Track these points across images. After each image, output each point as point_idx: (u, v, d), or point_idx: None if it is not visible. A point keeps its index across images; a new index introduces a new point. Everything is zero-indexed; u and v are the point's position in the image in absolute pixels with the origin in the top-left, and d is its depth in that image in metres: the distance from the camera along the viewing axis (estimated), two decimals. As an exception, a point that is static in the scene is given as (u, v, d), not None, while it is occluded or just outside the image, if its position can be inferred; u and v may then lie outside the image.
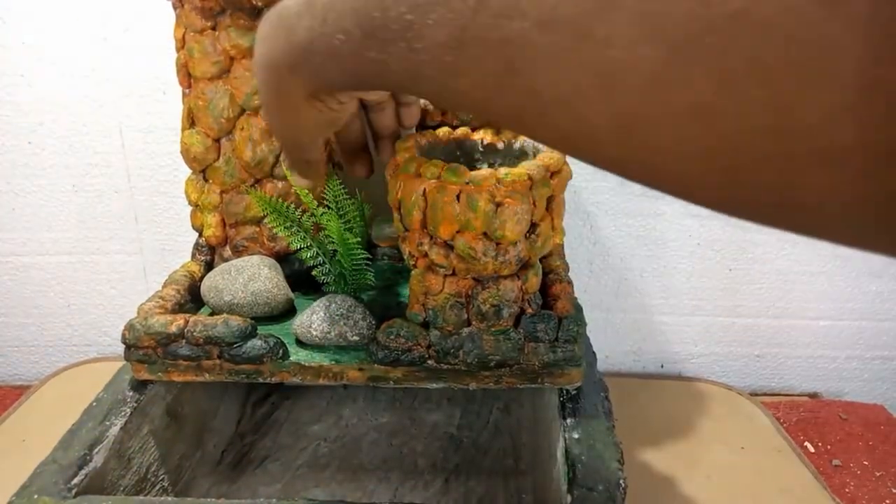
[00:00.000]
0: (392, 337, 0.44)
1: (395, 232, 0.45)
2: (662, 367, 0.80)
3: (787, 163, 0.15)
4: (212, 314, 0.48)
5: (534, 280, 0.45)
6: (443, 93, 0.23)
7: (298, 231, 0.49)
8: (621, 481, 0.39)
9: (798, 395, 0.80)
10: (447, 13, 0.20)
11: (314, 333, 0.45)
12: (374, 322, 0.46)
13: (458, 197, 0.39)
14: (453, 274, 0.43)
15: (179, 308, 0.49)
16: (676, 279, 0.75)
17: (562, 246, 0.55)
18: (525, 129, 0.22)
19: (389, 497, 0.53)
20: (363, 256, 0.48)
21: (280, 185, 0.51)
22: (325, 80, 0.28)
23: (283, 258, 0.53)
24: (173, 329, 0.45)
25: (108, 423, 0.44)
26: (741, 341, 0.78)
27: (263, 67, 0.30)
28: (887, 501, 0.61)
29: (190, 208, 0.54)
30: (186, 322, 0.45)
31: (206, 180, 0.52)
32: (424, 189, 0.41)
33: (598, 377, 0.48)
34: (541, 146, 0.46)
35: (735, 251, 0.74)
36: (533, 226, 0.41)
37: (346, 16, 0.24)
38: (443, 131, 0.47)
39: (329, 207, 0.50)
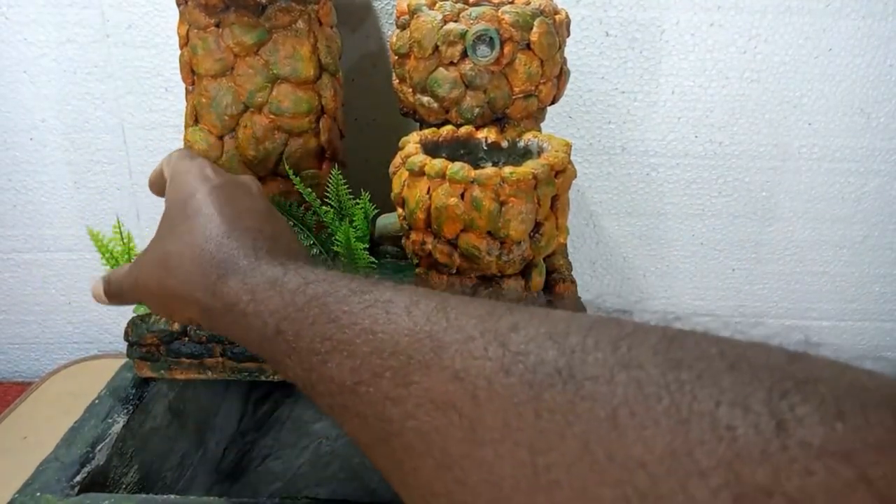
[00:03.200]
0: (395, 336, 0.44)
1: (399, 229, 0.45)
2: (664, 366, 0.80)
3: None
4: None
5: (538, 279, 0.44)
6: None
7: (301, 229, 0.49)
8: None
9: (800, 396, 0.80)
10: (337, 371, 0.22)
11: (317, 332, 0.45)
12: (377, 321, 0.46)
13: (462, 195, 0.39)
14: (457, 273, 0.43)
15: (182, 306, 0.49)
16: (679, 279, 0.75)
17: (565, 245, 0.55)
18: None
19: (391, 496, 0.53)
20: (368, 262, 0.48)
21: (283, 182, 0.51)
22: (223, 332, 0.30)
23: (286, 256, 0.53)
24: (176, 326, 0.45)
25: (110, 420, 0.44)
26: (743, 341, 0.78)
27: (169, 289, 0.31)
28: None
29: (192, 206, 0.54)
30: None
31: (208, 178, 0.52)
32: (429, 187, 0.40)
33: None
34: (545, 145, 0.45)
35: (738, 251, 0.73)
36: (537, 225, 0.41)
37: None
38: (447, 129, 0.47)
39: (332, 206, 0.50)
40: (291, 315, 0.24)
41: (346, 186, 0.51)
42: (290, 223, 0.48)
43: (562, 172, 0.42)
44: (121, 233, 0.47)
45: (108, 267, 0.45)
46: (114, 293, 0.37)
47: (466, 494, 0.17)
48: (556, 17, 0.48)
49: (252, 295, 0.26)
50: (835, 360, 0.16)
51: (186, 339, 0.45)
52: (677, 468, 0.14)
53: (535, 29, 0.46)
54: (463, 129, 0.47)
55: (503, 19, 0.45)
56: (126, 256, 0.46)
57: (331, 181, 0.50)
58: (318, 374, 0.22)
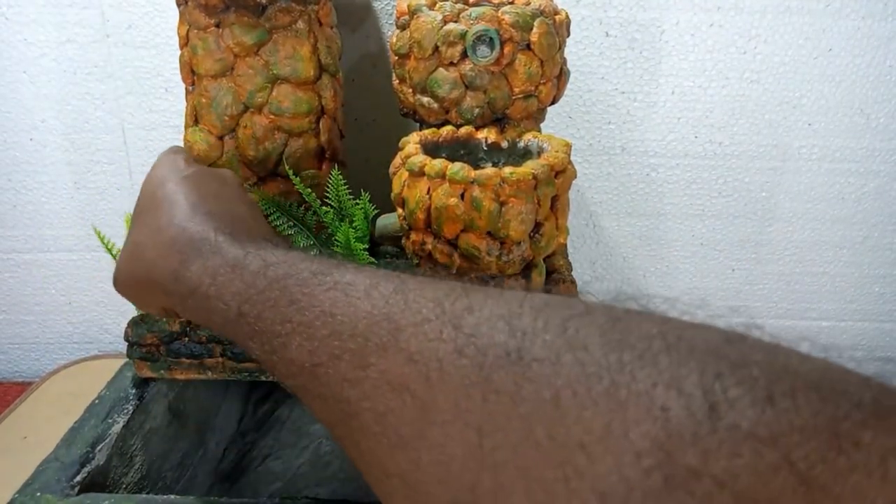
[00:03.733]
0: (395, 336, 0.44)
1: (399, 229, 0.45)
2: (664, 367, 0.80)
3: None
4: (214, 312, 0.48)
5: (537, 280, 0.44)
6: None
7: (301, 229, 0.49)
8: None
9: (800, 396, 0.80)
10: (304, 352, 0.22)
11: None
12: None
13: (462, 196, 0.39)
14: (457, 273, 0.43)
15: (182, 306, 0.49)
16: (679, 279, 0.75)
17: (565, 245, 0.55)
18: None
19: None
20: (368, 262, 0.48)
21: (283, 182, 0.51)
22: (189, 317, 0.31)
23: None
24: (176, 327, 0.45)
25: (110, 420, 0.44)
26: (743, 342, 0.78)
27: (138, 278, 0.32)
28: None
29: (193, 206, 0.54)
30: (189, 320, 0.45)
31: (209, 178, 0.52)
32: (429, 188, 0.40)
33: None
34: (545, 146, 0.45)
35: (738, 251, 0.73)
36: (537, 225, 0.41)
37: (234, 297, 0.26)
38: (447, 130, 0.47)
39: (332, 206, 0.50)
40: (253, 297, 0.24)
41: (345, 186, 0.51)
42: (290, 223, 0.48)
43: (562, 173, 0.42)
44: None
45: None
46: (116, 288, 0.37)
47: (418, 474, 0.18)
48: (556, 17, 0.48)
49: (213, 278, 0.26)
50: (769, 343, 0.16)
51: (186, 339, 0.45)
52: (614, 448, 0.14)
53: (535, 29, 0.46)
54: (463, 130, 0.47)
55: (503, 20, 0.45)
56: None
57: (331, 181, 0.50)
58: (279, 356, 0.23)
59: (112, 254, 0.45)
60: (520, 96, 0.47)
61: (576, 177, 0.44)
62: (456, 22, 0.46)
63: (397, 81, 0.51)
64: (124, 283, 0.35)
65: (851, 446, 0.13)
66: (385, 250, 0.58)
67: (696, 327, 0.17)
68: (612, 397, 0.15)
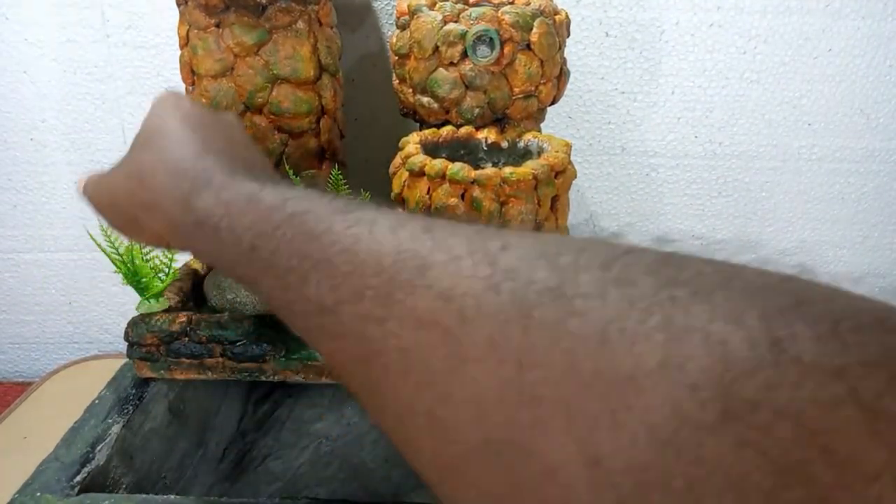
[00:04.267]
0: (395, 336, 0.44)
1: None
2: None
3: None
4: (214, 312, 0.48)
5: (537, 279, 0.44)
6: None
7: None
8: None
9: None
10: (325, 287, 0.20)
11: (317, 332, 0.45)
12: (377, 321, 0.46)
13: (462, 196, 0.39)
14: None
15: (182, 306, 0.49)
16: (679, 279, 0.75)
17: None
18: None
19: (391, 496, 0.53)
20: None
21: (283, 183, 0.51)
22: (190, 248, 0.29)
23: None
24: (176, 327, 0.45)
25: (110, 420, 0.44)
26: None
27: (140, 200, 0.31)
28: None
29: (193, 206, 0.54)
30: (189, 320, 0.45)
31: (209, 178, 0.52)
32: (429, 188, 0.41)
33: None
34: (545, 146, 0.45)
35: (738, 252, 0.73)
36: (537, 225, 0.41)
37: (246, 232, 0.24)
38: (447, 130, 0.47)
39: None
40: (268, 231, 0.23)
41: (346, 186, 0.51)
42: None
43: (562, 173, 0.42)
44: None
45: (116, 269, 0.45)
46: (86, 195, 0.35)
47: (448, 411, 0.17)
48: (556, 17, 0.48)
49: (226, 209, 0.25)
50: (828, 284, 0.15)
51: (186, 339, 0.45)
52: (666, 381, 0.14)
53: (535, 29, 0.46)
54: (463, 130, 0.48)
55: (503, 20, 0.45)
56: (139, 256, 0.46)
57: (331, 181, 0.50)
58: (294, 294, 0.21)
59: (107, 253, 0.45)
60: (520, 96, 0.48)
61: (576, 177, 0.44)
62: (456, 22, 0.46)
63: (397, 81, 0.51)
64: (114, 202, 0.32)
65: None
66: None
67: (750, 268, 0.16)
68: (664, 332, 0.14)
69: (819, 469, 0.12)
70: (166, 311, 0.46)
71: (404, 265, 0.19)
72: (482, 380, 0.16)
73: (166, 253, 0.49)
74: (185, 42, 0.49)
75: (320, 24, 0.50)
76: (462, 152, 0.48)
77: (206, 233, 0.26)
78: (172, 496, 0.39)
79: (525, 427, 0.15)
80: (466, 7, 0.47)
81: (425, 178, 0.41)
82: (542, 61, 0.47)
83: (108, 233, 0.45)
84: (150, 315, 0.46)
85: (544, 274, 0.17)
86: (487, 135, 0.47)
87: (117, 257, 0.45)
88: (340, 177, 0.50)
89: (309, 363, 0.46)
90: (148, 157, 0.30)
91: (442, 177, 0.40)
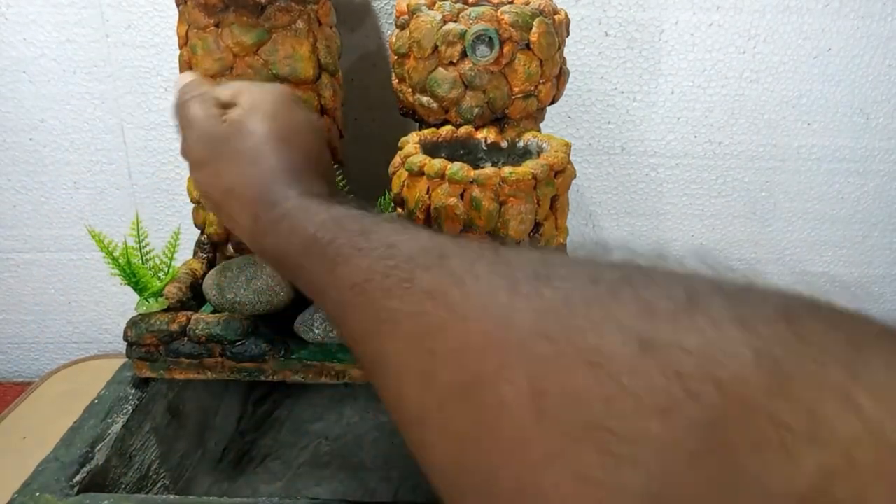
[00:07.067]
0: (395, 336, 0.44)
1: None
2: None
3: None
4: (214, 312, 0.48)
5: (537, 279, 0.44)
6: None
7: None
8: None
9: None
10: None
11: (316, 331, 0.45)
12: (376, 321, 0.46)
13: (461, 196, 0.39)
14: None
15: (181, 306, 0.49)
16: (678, 279, 0.75)
17: (565, 245, 0.55)
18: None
19: (390, 496, 0.53)
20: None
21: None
22: (260, 236, 0.33)
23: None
24: (175, 327, 0.45)
25: (109, 420, 0.44)
26: (743, 341, 0.78)
27: (248, 178, 0.34)
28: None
29: (192, 205, 0.54)
30: (188, 320, 0.45)
31: (208, 178, 0.52)
32: (428, 187, 0.41)
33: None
34: (545, 145, 0.45)
35: (738, 251, 0.73)
36: (537, 225, 0.41)
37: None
38: (446, 129, 0.47)
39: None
40: (328, 224, 0.28)
41: (344, 186, 0.51)
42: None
43: (561, 172, 0.42)
44: (138, 231, 0.47)
45: (113, 269, 0.45)
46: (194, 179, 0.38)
47: (436, 363, 0.21)
48: (556, 17, 0.48)
49: (303, 211, 0.31)
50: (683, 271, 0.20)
51: (185, 339, 0.45)
52: (607, 328, 0.17)
53: (534, 29, 0.46)
54: (462, 129, 0.47)
55: (502, 19, 0.45)
56: (136, 257, 0.46)
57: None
58: (337, 274, 0.26)
59: (107, 251, 0.45)
60: (519, 96, 0.48)
61: (575, 176, 0.44)
62: (455, 21, 0.46)
63: (397, 81, 0.51)
64: (204, 192, 0.37)
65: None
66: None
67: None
68: (597, 307, 0.18)
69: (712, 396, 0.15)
70: (165, 310, 0.46)
71: (428, 254, 0.23)
72: (467, 336, 0.20)
73: (167, 252, 0.49)
74: (184, 42, 0.49)
75: (319, 24, 0.50)
76: (461, 152, 0.48)
77: (281, 224, 0.31)
78: (172, 496, 0.40)
79: (492, 371, 0.19)
80: (466, 7, 0.47)
81: (424, 177, 0.41)
82: (541, 61, 0.47)
83: (102, 235, 0.45)
84: (149, 315, 0.46)
85: (535, 266, 0.21)
86: (487, 134, 0.47)
87: (113, 261, 0.45)
88: (339, 175, 0.50)
89: (308, 363, 0.46)
90: (236, 174, 0.35)
91: (441, 176, 0.40)
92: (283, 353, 0.45)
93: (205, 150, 0.35)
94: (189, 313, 0.46)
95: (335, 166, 0.53)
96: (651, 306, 0.17)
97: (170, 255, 0.49)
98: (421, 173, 0.41)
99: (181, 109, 0.37)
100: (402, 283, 0.23)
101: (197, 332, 0.44)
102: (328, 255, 0.27)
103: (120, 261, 0.45)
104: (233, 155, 0.35)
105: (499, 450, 0.18)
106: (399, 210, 0.44)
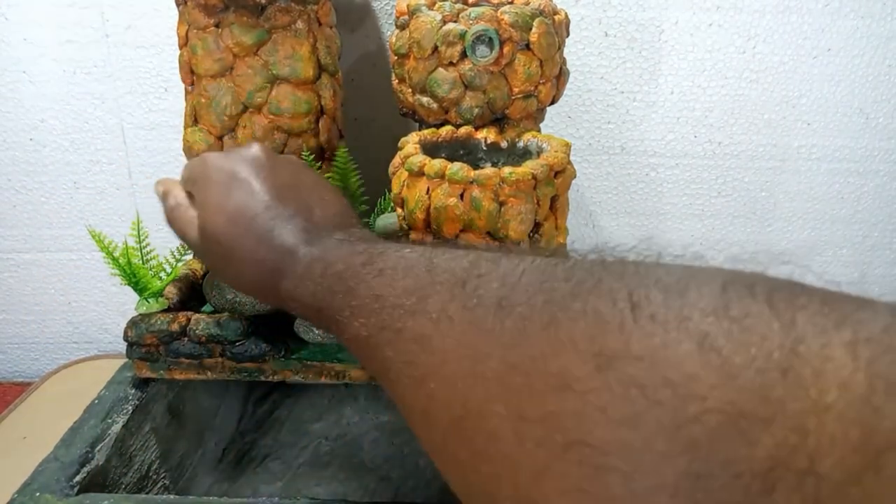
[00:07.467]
0: (395, 336, 0.44)
1: (398, 229, 0.45)
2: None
3: None
4: (214, 312, 0.48)
5: (537, 279, 0.44)
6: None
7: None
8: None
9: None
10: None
11: (316, 332, 0.45)
12: (376, 321, 0.46)
13: (461, 196, 0.39)
14: (456, 273, 0.43)
15: (181, 306, 0.49)
16: (678, 279, 0.75)
17: (565, 245, 0.55)
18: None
19: (390, 496, 0.53)
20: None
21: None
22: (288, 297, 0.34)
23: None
24: (175, 327, 0.45)
25: (109, 420, 0.44)
26: (743, 341, 0.78)
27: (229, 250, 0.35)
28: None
29: (192, 206, 0.54)
30: (188, 320, 0.45)
31: (208, 178, 0.52)
32: (428, 188, 0.41)
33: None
34: (545, 145, 0.45)
35: (737, 251, 0.73)
36: (536, 225, 0.41)
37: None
38: (446, 130, 0.47)
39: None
40: (320, 292, 0.30)
41: (354, 167, 0.51)
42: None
43: (561, 172, 0.42)
44: (138, 231, 0.47)
45: (113, 269, 0.45)
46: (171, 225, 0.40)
47: (432, 404, 0.23)
48: (556, 17, 0.48)
49: (295, 289, 0.32)
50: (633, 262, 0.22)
51: (186, 339, 0.45)
52: (563, 352, 0.19)
53: (534, 29, 0.46)
54: (462, 130, 0.47)
55: (502, 19, 0.45)
56: (137, 257, 0.46)
57: (337, 160, 0.50)
58: (346, 336, 0.29)
59: (107, 251, 0.45)
60: (519, 96, 0.48)
61: (575, 176, 0.44)
62: (455, 22, 0.46)
63: (396, 81, 0.51)
64: (194, 244, 0.37)
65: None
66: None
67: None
68: (553, 330, 0.20)
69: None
70: (166, 310, 0.46)
71: (410, 298, 0.25)
72: (452, 375, 0.22)
73: (173, 253, 0.49)
74: (184, 42, 0.49)
75: (319, 24, 0.50)
76: (461, 152, 0.48)
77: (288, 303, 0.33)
78: (172, 496, 0.40)
79: (478, 405, 0.21)
80: (466, 7, 0.47)
81: (424, 177, 0.41)
82: (541, 61, 0.47)
83: (102, 235, 0.45)
84: (149, 315, 0.46)
85: (495, 291, 0.23)
86: (487, 135, 0.47)
87: (114, 262, 0.45)
88: (348, 156, 0.50)
89: (308, 363, 0.46)
90: (233, 276, 0.36)
91: (441, 177, 0.40)
92: (283, 353, 0.45)
93: (203, 261, 0.38)
94: (189, 313, 0.46)
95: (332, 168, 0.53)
96: (600, 318, 0.19)
97: (178, 258, 0.49)
98: (421, 173, 0.41)
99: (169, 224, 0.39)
100: (394, 332, 0.25)
101: (197, 332, 0.44)
102: (333, 320, 0.30)
103: (120, 261, 0.45)
104: (219, 262, 0.36)
105: (494, 473, 0.20)
106: (399, 210, 0.44)
